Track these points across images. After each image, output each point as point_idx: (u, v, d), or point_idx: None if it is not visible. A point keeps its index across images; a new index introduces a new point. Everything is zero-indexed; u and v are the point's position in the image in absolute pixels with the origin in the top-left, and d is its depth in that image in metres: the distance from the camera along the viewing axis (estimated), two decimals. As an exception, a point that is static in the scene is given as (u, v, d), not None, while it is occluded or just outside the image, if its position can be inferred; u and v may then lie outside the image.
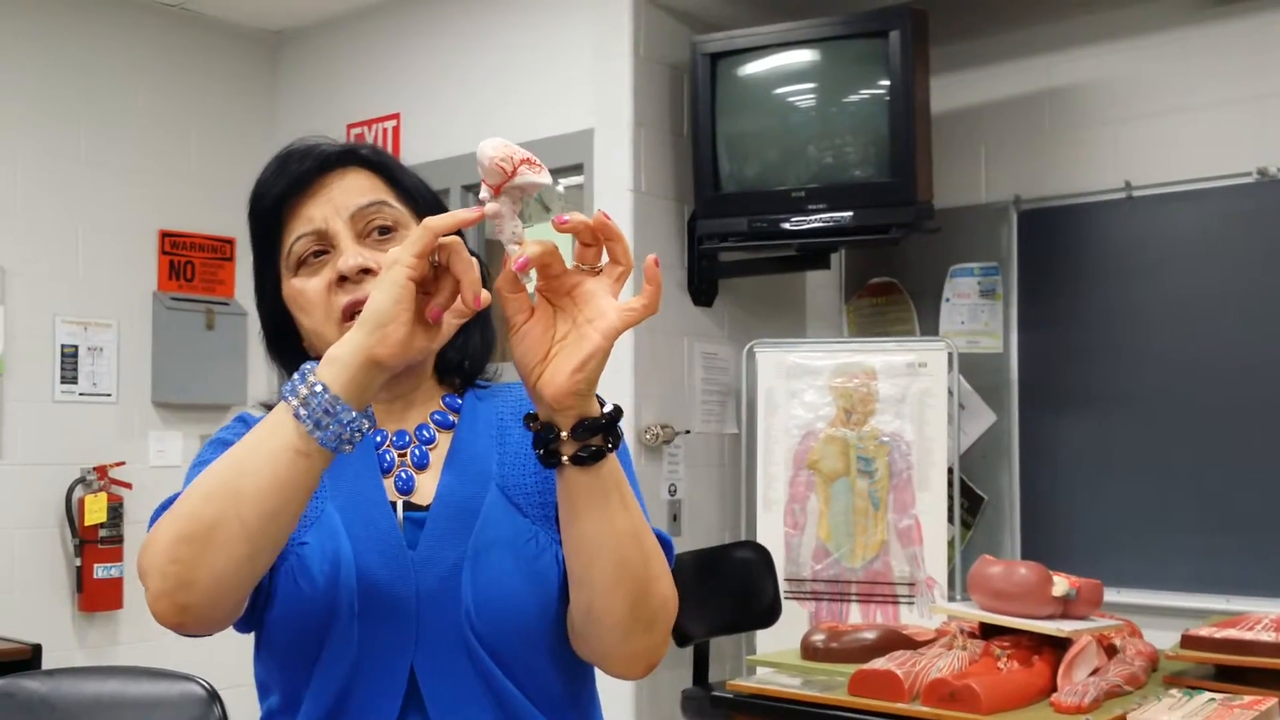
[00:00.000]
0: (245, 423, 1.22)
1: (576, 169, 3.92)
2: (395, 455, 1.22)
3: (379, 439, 1.23)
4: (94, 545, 4.23)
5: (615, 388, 3.75)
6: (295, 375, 1.02)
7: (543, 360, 1.02)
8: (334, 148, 1.24)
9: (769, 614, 3.67)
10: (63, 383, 4.30)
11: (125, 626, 4.39)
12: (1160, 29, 3.73)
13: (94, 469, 4.28)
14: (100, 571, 4.24)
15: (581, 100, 3.92)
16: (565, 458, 1.03)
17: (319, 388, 1.00)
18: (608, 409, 1.04)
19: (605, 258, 1.04)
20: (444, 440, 1.23)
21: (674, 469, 3.88)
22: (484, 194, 1.03)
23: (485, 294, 1.04)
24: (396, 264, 1.00)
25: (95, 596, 4.24)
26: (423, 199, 1.27)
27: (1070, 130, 3.88)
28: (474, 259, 1.04)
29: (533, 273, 1.02)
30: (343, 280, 1.18)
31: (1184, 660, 2.61)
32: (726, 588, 3.64)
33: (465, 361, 1.27)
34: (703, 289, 4.00)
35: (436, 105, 4.32)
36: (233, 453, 1.03)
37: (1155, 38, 3.74)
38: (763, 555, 3.71)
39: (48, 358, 4.27)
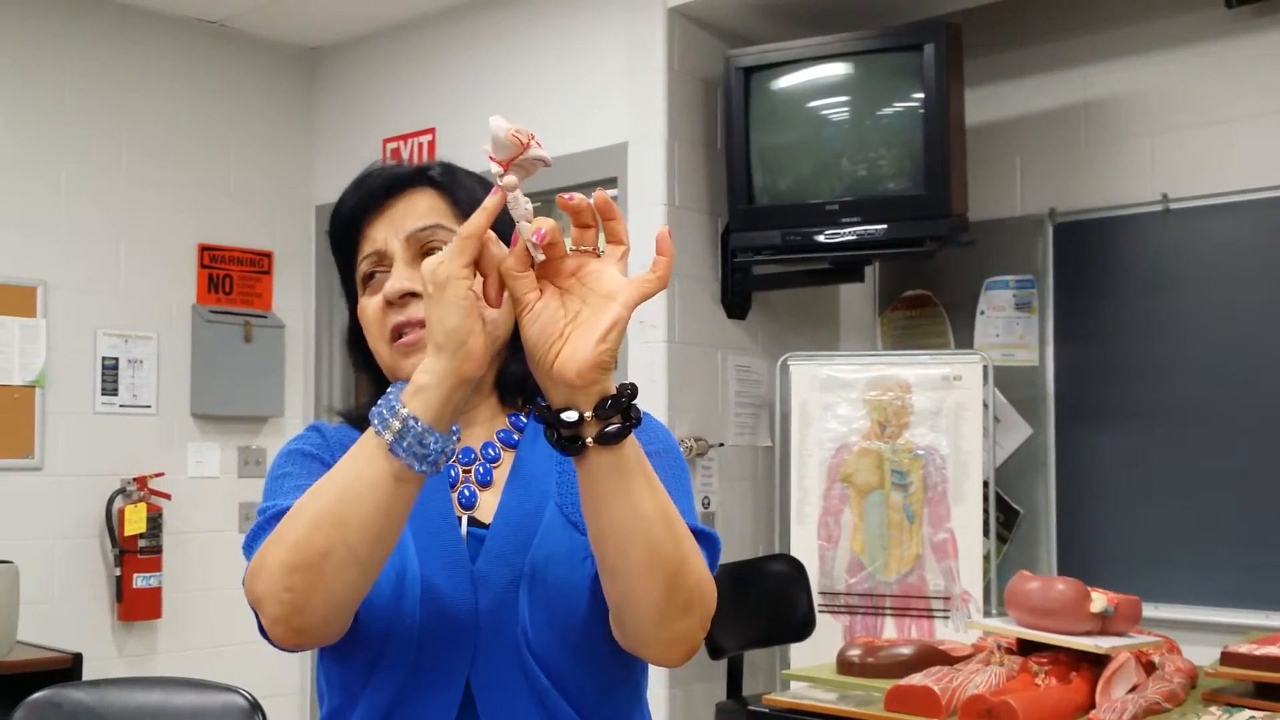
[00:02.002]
0: (320, 433, 1.26)
1: (610, 183, 3.94)
2: (460, 471, 1.24)
3: None
4: (134, 555, 4.27)
5: (649, 400, 3.76)
6: (382, 403, 1.04)
7: (559, 338, 1.01)
8: (407, 169, 1.26)
9: (803, 628, 3.66)
10: (103, 394, 4.36)
11: (164, 636, 4.43)
12: (1196, 41, 3.71)
13: (134, 480, 4.34)
14: (140, 581, 4.28)
15: (615, 114, 3.94)
16: (589, 439, 1.02)
17: (411, 420, 1.02)
18: (628, 387, 1.03)
19: (603, 243, 1.04)
20: (507, 458, 1.25)
21: (707, 482, 3.89)
22: (495, 169, 1.03)
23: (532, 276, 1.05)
24: (451, 280, 1.01)
25: (135, 606, 4.29)
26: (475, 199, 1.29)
27: (1106, 142, 3.86)
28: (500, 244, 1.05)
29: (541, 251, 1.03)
30: (391, 302, 1.21)
31: (1223, 677, 2.59)
32: (760, 601, 3.64)
33: (526, 379, 1.29)
34: (736, 302, 4.01)
35: (471, 120, 4.35)
36: (332, 479, 1.06)
37: (1191, 49, 3.72)
38: (796, 568, 3.71)
39: (89, 370, 4.33)
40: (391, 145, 4.62)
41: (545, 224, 1.01)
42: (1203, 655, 2.83)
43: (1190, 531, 3.60)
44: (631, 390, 1.03)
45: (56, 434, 4.24)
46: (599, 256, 1.03)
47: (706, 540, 1.17)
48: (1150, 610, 3.14)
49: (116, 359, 4.39)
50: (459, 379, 1.02)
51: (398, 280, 1.21)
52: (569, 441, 1.02)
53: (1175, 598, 3.56)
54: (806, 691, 2.73)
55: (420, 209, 1.24)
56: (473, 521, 1.21)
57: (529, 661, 1.14)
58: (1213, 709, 2.38)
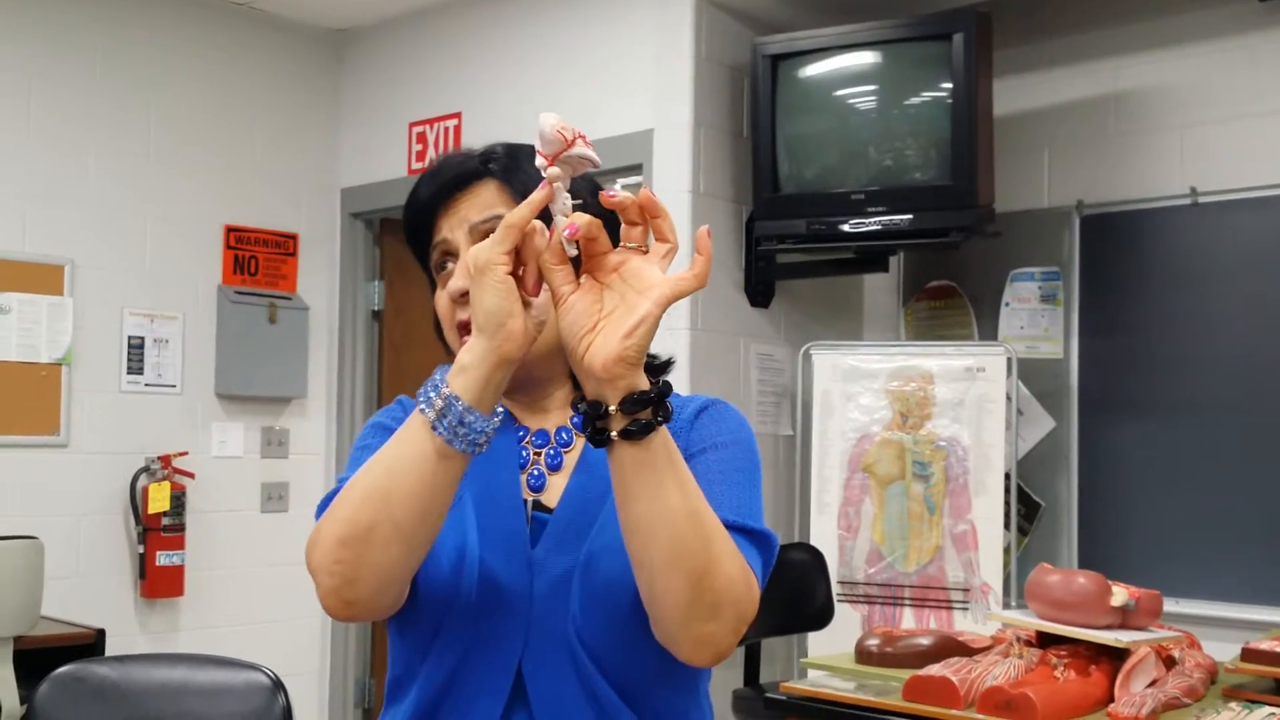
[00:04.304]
0: (404, 407, 1.29)
1: (636, 169, 3.94)
2: (531, 453, 1.26)
3: (520, 433, 1.27)
4: (157, 533, 4.31)
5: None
6: (429, 383, 1.07)
7: (590, 330, 1.02)
8: (472, 162, 1.27)
9: (821, 616, 3.67)
10: (129, 373, 4.39)
11: (186, 613, 4.47)
12: (1227, 34, 3.68)
13: (158, 458, 4.37)
14: (163, 559, 4.32)
15: (642, 101, 3.93)
16: (614, 433, 1.03)
17: (453, 399, 1.04)
18: (659, 383, 1.04)
19: (651, 238, 1.05)
20: (579, 444, 1.26)
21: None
22: (539, 163, 1.05)
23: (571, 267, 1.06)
24: (490, 265, 1.04)
25: (157, 583, 4.32)
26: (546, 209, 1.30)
27: (1135, 135, 3.83)
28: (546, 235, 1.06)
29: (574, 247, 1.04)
30: (455, 300, 1.24)
31: (1244, 673, 2.58)
32: (779, 589, 3.62)
33: None
34: (760, 290, 4.00)
35: (497, 105, 4.35)
36: (381, 456, 1.09)
37: (1222, 43, 3.69)
38: (816, 557, 3.71)
39: (115, 349, 4.36)
40: (418, 129, 4.63)
41: (580, 219, 1.03)
42: (1223, 651, 2.82)
43: (1212, 526, 3.58)
44: (663, 387, 1.03)
45: (82, 412, 4.27)
46: (645, 253, 1.04)
47: (759, 540, 1.16)
48: (1171, 605, 3.13)
49: (142, 338, 4.42)
50: (499, 358, 1.04)
51: (459, 279, 1.23)
52: (599, 434, 1.04)
53: (1197, 593, 3.54)
54: (824, 680, 2.73)
55: (482, 202, 1.25)
56: (538, 505, 1.22)
57: (577, 649, 1.16)
58: (1232, 705, 2.37)
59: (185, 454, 4.44)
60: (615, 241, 1.06)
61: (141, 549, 4.32)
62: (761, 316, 4.04)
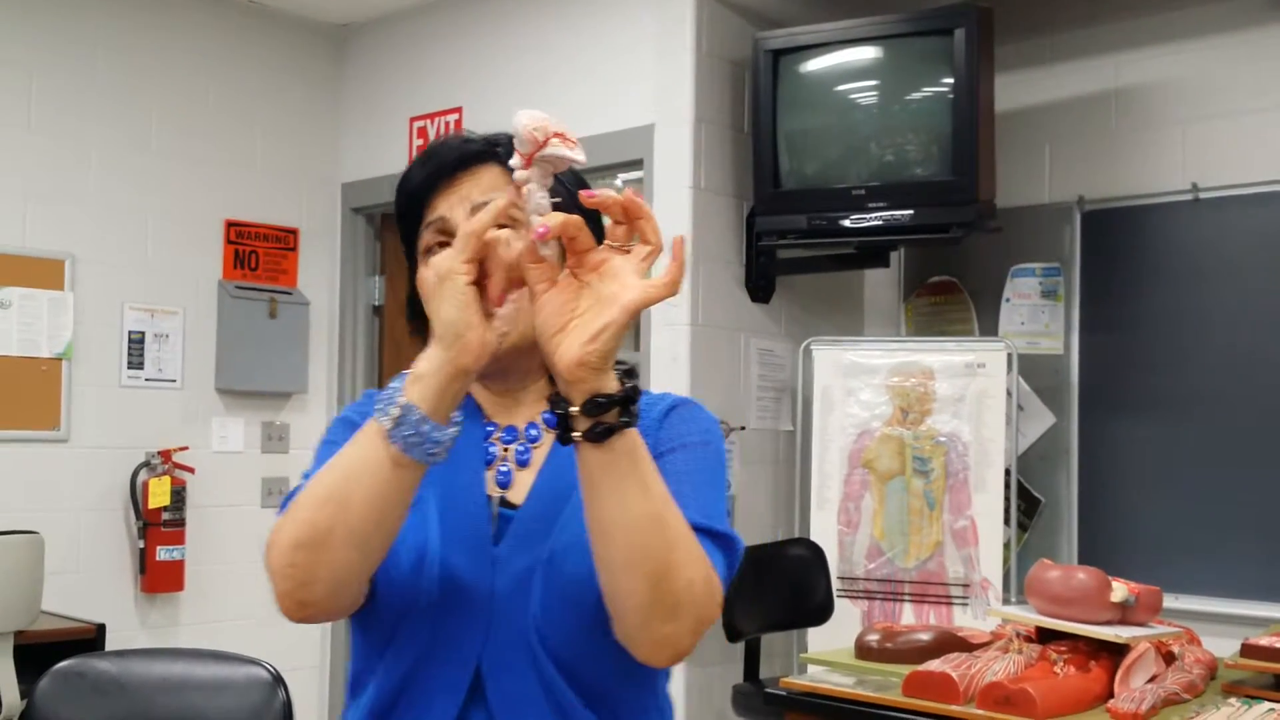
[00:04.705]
0: (372, 400, 1.27)
1: (636, 164, 3.93)
2: (500, 449, 1.25)
3: (489, 429, 1.26)
4: (157, 528, 4.31)
5: (672, 383, 3.76)
6: (387, 389, 1.06)
7: (560, 331, 1.01)
8: (476, 144, 1.26)
9: (821, 612, 3.67)
10: (129, 368, 4.39)
11: (186, 608, 4.47)
12: (1229, 29, 3.67)
13: (158, 453, 4.37)
14: (163, 554, 4.32)
15: (642, 96, 3.93)
16: (577, 435, 1.02)
17: (410, 408, 1.03)
18: (626, 386, 1.03)
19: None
20: (548, 441, 1.25)
21: (728, 465, 3.89)
22: (515, 162, 1.04)
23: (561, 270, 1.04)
24: (450, 274, 1.03)
25: (157, 578, 4.33)
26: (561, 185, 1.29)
27: (1136, 131, 3.83)
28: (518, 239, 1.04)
29: (554, 245, 1.03)
30: None
31: (1243, 669, 2.58)
32: (779, 585, 3.64)
33: None
34: (760, 286, 4.00)
35: (498, 100, 4.35)
36: (339, 459, 1.08)
37: (1224, 38, 3.68)
38: (816, 553, 3.71)
39: (115, 343, 4.36)
40: (418, 124, 4.63)
41: (554, 219, 1.01)
42: (1223, 647, 2.82)
43: (1213, 523, 3.58)
44: (628, 392, 1.02)
45: (83, 406, 4.27)
46: (628, 253, 1.03)
47: (724, 542, 1.16)
48: (1171, 601, 3.13)
49: (143, 333, 4.42)
50: (454, 369, 1.03)
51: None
52: (564, 433, 1.03)
53: (1196, 589, 3.54)
54: (824, 675, 2.73)
55: (485, 184, 1.24)
56: (505, 502, 1.21)
57: (536, 647, 1.15)
58: (1232, 701, 2.37)
59: (185, 449, 4.44)
60: (607, 238, 1.05)
61: (142, 544, 4.32)
62: (762, 312, 4.04)
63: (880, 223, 3.63)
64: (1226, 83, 3.67)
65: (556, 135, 1.03)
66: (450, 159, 1.25)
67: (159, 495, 4.30)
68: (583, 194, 1.02)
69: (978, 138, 3.52)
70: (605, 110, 3.99)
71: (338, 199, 4.94)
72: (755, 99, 3.80)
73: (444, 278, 1.03)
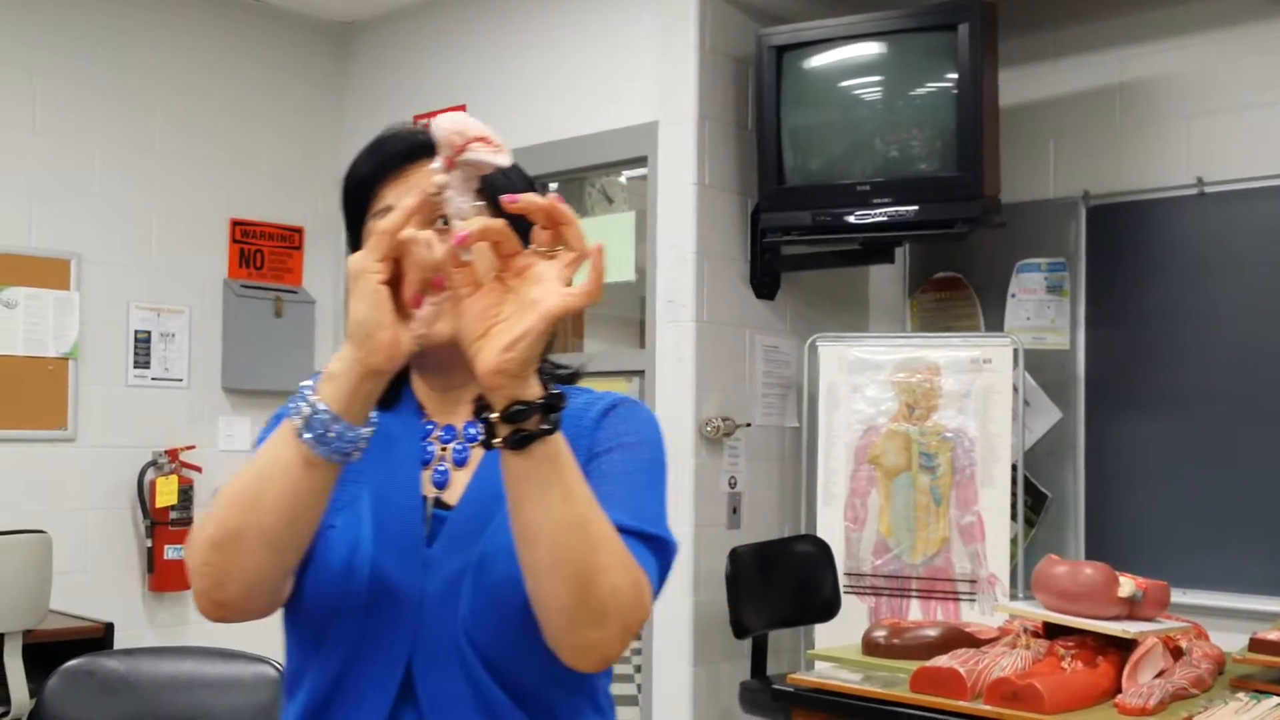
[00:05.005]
0: (304, 397, 1.26)
1: (640, 162, 3.93)
2: (438, 449, 1.23)
3: (428, 429, 1.24)
4: (165, 527, 4.32)
5: (677, 379, 3.76)
6: (301, 388, 1.05)
7: (482, 336, 1.00)
8: (425, 136, 1.24)
9: (828, 608, 3.67)
10: (136, 367, 4.40)
11: (194, 607, 4.46)
12: (1233, 24, 3.67)
13: (165, 452, 4.38)
14: (170, 552, 4.33)
15: (646, 93, 3.93)
16: (497, 441, 1.01)
17: (320, 407, 1.03)
18: (549, 393, 1.01)
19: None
20: None
21: (734, 462, 3.89)
22: (436, 164, 1.03)
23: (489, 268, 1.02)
24: (363, 272, 1.02)
25: (165, 577, 4.34)
26: (497, 189, 1.25)
27: (1141, 125, 3.82)
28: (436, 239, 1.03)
29: (478, 249, 1.01)
30: None
31: (1251, 664, 2.57)
32: (786, 581, 3.65)
33: None
34: (765, 282, 4.00)
35: (502, 97, 4.35)
36: (256, 459, 1.08)
37: (1228, 32, 3.67)
38: (822, 549, 3.71)
39: (121, 343, 4.37)
40: (423, 121, 4.62)
41: (473, 224, 1.00)
42: (1231, 641, 2.82)
43: (1220, 517, 3.58)
44: (549, 399, 1.01)
45: (89, 406, 4.28)
46: (553, 258, 1.01)
47: (656, 545, 1.15)
48: (1179, 596, 3.13)
49: (149, 332, 4.43)
50: (365, 369, 1.02)
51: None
52: (489, 438, 1.02)
53: (1204, 583, 3.54)
54: (831, 671, 2.73)
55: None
56: (440, 503, 1.20)
57: (466, 649, 1.14)
58: (1240, 695, 2.37)
59: (192, 448, 4.45)
60: (532, 243, 1.03)
61: (149, 543, 4.33)
62: (767, 308, 4.04)
63: (885, 219, 3.63)
64: (1231, 77, 3.66)
65: (479, 140, 1.02)
66: (399, 149, 1.25)
67: (166, 494, 4.31)
68: (504, 199, 1.01)
69: (982, 133, 3.52)
70: (609, 107, 3.99)
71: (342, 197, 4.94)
72: (759, 95, 3.80)
73: (356, 276, 1.02)
